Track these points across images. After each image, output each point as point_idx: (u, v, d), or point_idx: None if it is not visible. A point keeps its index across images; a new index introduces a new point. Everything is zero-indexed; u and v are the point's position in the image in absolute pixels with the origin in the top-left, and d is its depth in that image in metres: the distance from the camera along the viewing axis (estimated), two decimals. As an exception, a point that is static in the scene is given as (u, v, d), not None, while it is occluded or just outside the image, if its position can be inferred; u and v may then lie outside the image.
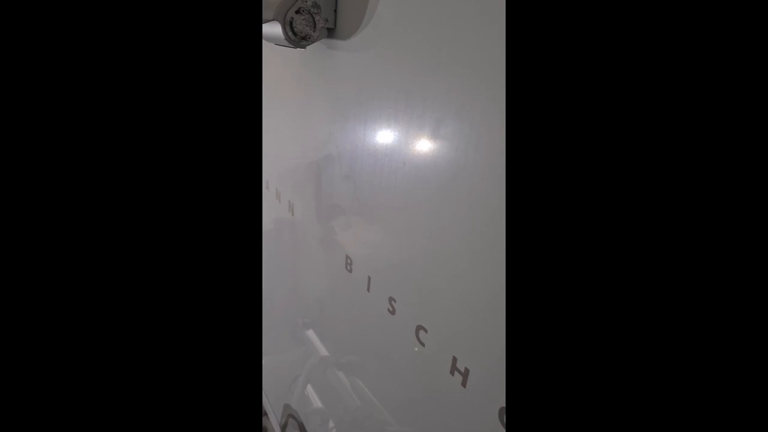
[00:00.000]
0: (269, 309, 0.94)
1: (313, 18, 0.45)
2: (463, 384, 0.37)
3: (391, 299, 0.46)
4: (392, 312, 0.46)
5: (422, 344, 0.42)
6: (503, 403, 0.33)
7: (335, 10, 0.46)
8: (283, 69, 0.61)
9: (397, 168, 0.41)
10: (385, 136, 0.42)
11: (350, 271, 0.53)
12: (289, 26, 0.44)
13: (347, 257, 0.53)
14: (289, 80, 0.60)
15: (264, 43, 0.51)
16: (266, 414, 1.01)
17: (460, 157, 0.34)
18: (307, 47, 0.47)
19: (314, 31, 0.45)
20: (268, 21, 0.44)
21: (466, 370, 0.37)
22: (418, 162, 0.38)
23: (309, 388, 0.79)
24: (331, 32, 0.47)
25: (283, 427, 0.91)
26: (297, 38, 0.45)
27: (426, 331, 0.41)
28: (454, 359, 0.38)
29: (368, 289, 0.50)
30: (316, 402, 0.77)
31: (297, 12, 0.44)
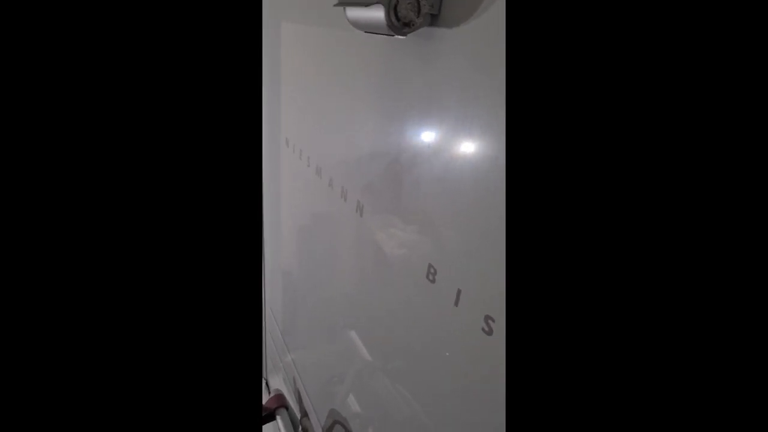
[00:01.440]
0: (311, 306, 0.92)
1: (419, 2, 0.40)
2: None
3: (488, 318, 0.41)
4: (488, 332, 0.41)
5: (530, 373, 0.37)
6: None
7: (441, -5, 0.42)
8: (366, 58, 0.57)
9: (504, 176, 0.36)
10: (496, 140, 0.38)
11: (433, 281, 0.49)
12: (393, 11, 0.40)
13: (430, 266, 0.49)
14: (373, 71, 0.56)
15: (352, 30, 0.47)
16: (307, 415, 0.99)
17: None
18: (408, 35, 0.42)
19: (418, 17, 0.41)
20: (369, 5, 0.40)
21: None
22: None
23: (357, 395, 0.76)
24: (434, 19, 0.43)
25: (327, 430, 0.88)
26: (399, 24, 0.41)
27: (537, 359, 0.36)
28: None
29: (456, 304, 0.45)
30: (364, 409, 0.74)
31: (403, -5, 0.40)
